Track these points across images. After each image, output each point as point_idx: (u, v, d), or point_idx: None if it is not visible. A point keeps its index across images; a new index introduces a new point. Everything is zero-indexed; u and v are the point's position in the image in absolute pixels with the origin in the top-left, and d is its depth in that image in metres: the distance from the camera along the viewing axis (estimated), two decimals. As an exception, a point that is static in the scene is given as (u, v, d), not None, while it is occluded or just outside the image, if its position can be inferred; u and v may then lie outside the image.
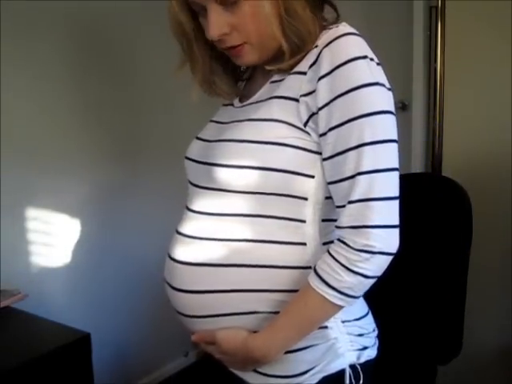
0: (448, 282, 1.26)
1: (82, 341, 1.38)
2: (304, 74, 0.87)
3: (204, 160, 0.95)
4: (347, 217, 0.83)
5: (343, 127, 0.82)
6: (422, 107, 2.01)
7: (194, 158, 1.00)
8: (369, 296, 0.95)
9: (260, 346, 0.88)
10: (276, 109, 0.88)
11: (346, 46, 0.83)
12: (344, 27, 0.86)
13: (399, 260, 0.93)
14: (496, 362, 1.91)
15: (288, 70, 0.90)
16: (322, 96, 0.83)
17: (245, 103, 0.99)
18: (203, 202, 0.95)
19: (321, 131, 0.85)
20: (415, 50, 1.99)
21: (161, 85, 2.03)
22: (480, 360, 1.89)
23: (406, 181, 0.95)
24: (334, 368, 0.92)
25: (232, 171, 0.88)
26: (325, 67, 0.83)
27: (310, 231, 0.90)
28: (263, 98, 0.93)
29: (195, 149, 1.02)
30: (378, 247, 0.81)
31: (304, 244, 0.90)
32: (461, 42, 1.89)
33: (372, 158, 0.81)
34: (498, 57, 1.82)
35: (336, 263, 0.83)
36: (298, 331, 0.88)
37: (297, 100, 0.86)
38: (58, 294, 1.80)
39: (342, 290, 0.83)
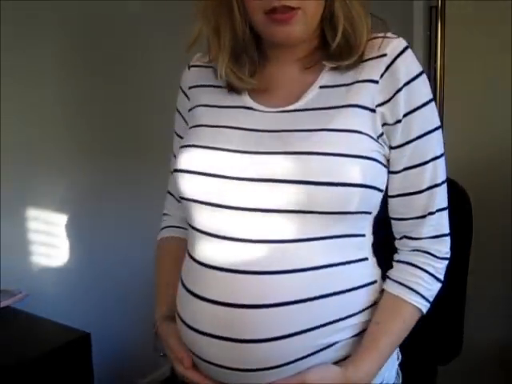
0: (448, 282, 1.26)
1: (82, 341, 1.38)
2: (376, 82, 0.82)
3: (257, 177, 0.78)
4: (428, 227, 0.86)
5: (421, 140, 0.83)
6: (422, 107, 2.01)
7: (223, 173, 0.81)
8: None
9: (364, 375, 0.81)
10: (354, 119, 0.81)
11: (414, 59, 0.84)
12: (401, 38, 0.85)
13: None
14: (496, 361, 1.91)
15: (343, 70, 0.84)
16: (402, 108, 0.82)
17: (288, 108, 0.84)
18: (257, 227, 0.78)
19: (396, 143, 0.83)
20: (415, 50, 1.97)
21: (154, 85, 2.03)
22: (480, 360, 1.89)
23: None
24: (392, 377, 0.92)
25: (317, 189, 0.76)
26: (402, 78, 0.81)
27: (368, 245, 0.87)
28: (324, 105, 0.82)
29: (208, 161, 0.83)
30: (449, 253, 0.88)
31: (366, 259, 0.86)
32: (461, 42, 1.89)
33: (442, 169, 0.86)
34: (498, 57, 1.82)
35: (425, 273, 0.86)
36: (395, 348, 0.87)
37: (373, 110, 0.82)
38: (58, 294, 1.80)
39: (429, 298, 0.87)
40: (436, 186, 0.84)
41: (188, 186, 0.84)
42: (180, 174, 0.85)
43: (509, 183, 1.81)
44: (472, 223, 1.22)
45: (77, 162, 1.83)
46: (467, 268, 1.24)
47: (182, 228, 1.02)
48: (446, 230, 0.87)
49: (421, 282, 0.85)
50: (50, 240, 1.78)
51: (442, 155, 0.85)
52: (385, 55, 0.82)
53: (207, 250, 0.82)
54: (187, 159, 0.85)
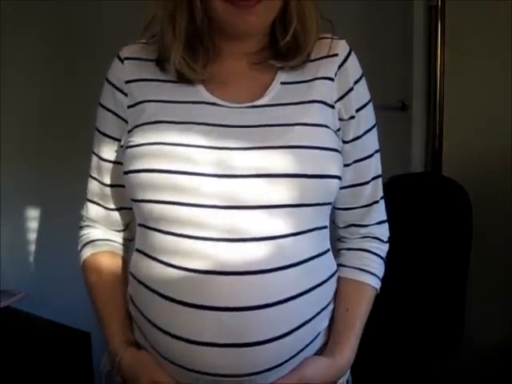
0: (448, 282, 1.26)
1: (82, 341, 1.39)
2: (331, 80, 0.86)
3: (255, 173, 0.77)
4: (375, 214, 0.92)
5: (368, 134, 0.90)
6: (422, 107, 2.00)
7: (205, 172, 0.77)
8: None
9: (349, 358, 0.86)
10: (321, 114, 0.84)
11: (357, 60, 0.89)
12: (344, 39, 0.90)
13: (399, 259, 0.93)
14: (496, 361, 1.91)
15: (293, 66, 0.85)
16: (354, 105, 0.87)
17: (256, 104, 0.83)
18: (258, 224, 0.76)
19: (349, 138, 0.88)
20: (415, 49, 1.98)
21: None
22: (480, 359, 1.89)
23: (406, 181, 0.96)
24: None
25: (308, 182, 0.78)
26: (352, 77, 0.87)
27: (328, 235, 0.89)
28: (291, 100, 0.83)
29: (193, 160, 0.77)
30: (389, 237, 0.95)
31: (329, 249, 0.89)
32: (461, 42, 1.89)
33: (380, 161, 0.92)
34: (499, 57, 1.82)
35: (377, 257, 0.92)
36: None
37: (332, 106, 0.86)
38: (58, 294, 1.79)
39: (381, 277, 0.93)
40: (379, 176, 0.92)
41: (171, 186, 0.77)
42: (153, 175, 0.78)
43: (509, 183, 1.81)
44: (472, 223, 1.23)
45: (78, 162, 1.83)
46: (467, 268, 1.24)
47: (110, 240, 1.03)
48: (386, 216, 0.95)
49: (376, 266, 0.92)
50: (49, 240, 1.78)
51: (379, 149, 0.92)
52: (336, 55, 0.87)
53: (203, 255, 0.76)
54: (160, 157, 0.78)
